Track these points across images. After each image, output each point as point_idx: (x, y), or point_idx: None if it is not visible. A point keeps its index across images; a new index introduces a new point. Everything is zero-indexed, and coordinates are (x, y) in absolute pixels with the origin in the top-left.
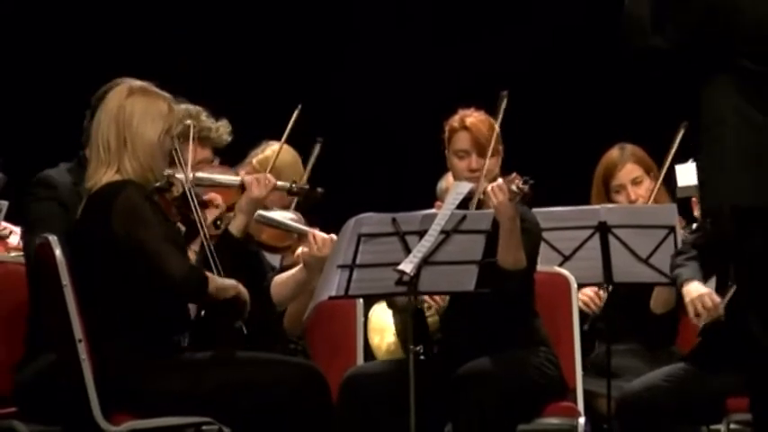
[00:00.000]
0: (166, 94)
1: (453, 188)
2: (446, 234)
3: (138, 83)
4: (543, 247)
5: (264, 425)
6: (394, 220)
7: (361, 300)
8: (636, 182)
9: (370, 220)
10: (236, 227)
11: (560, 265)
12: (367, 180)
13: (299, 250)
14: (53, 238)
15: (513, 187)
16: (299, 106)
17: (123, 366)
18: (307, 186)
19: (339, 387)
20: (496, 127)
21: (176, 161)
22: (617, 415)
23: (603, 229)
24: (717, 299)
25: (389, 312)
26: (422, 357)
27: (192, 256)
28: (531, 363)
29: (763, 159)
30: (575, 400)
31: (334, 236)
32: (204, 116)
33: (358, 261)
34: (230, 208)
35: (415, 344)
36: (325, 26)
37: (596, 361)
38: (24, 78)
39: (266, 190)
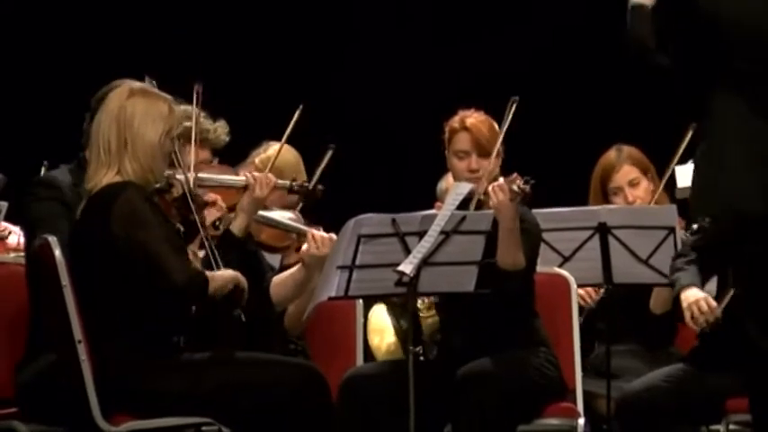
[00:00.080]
0: (167, 96)
1: (453, 189)
2: (446, 235)
3: (138, 84)
4: (543, 248)
5: (264, 425)
6: (394, 220)
7: (361, 300)
8: (633, 183)
9: (370, 221)
10: (237, 226)
11: (560, 265)
12: (367, 180)
13: (305, 247)
14: (53, 239)
15: (514, 187)
16: (301, 106)
17: (123, 367)
18: (307, 184)
19: (339, 387)
20: (497, 127)
21: (176, 162)
22: (616, 415)
23: (603, 230)
24: (713, 303)
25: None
26: (421, 358)
27: (191, 256)
28: (531, 363)
29: (763, 165)
30: (574, 401)
31: (333, 235)
32: (202, 117)
33: (358, 262)
34: (231, 208)
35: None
36: (325, 26)
37: (595, 362)
38: (24, 79)
39: (267, 189)
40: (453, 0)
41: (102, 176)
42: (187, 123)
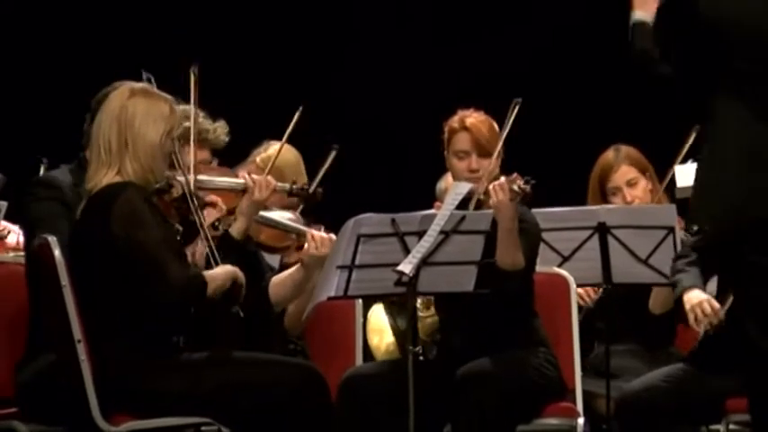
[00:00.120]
0: (168, 96)
1: (452, 188)
2: (445, 234)
3: (139, 84)
4: (542, 248)
5: (264, 425)
6: (393, 220)
7: (360, 300)
8: (631, 183)
9: (370, 221)
10: (236, 229)
11: (559, 265)
12: (367, 180)
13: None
14: (52, 239)
15: (515, 187)
16: (300, 108)
17: (123, 367)
18: (306, 187)
19: (338, 387)
20: (496, 127)
21: (175, 163)
22: (616, 415)
23: (603, 230)
24: (716, 305)
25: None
26: (421, 358)
27: (189, 258)
28: (531, 363)
29: (763, 168)
30: (574, 401)
31: (332, 235)
32: (201, 117)
33: (357, 261)
34: (231, 211)
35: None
36: (325, 26)
37: (595, 362)
38: (24, 78)
39: (267, 192)
40: (453, 0)
41: (103, 176)
42: (186, 123)
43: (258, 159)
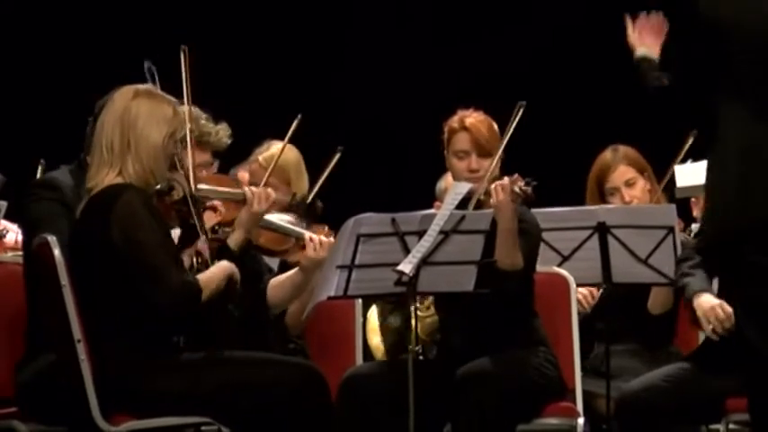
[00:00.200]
0: (171, 98)
1: (452, 188)
2: (445, 234)
3: (143, 86)
4: (542, 248)
5: (264, 425)
6: (393, 220)
7: (360, 300)
8: (629, 183)
9: (370, 221)
10: (234, 241)
11: (559, 265)
12: (366, 180)
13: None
14: (52, 239)
15: (516, 188)
16: (299, 116)
17: (123, 367)
18: (307, 201)
19: (338, 387)
20: (496, 127)
21: (177, 166)
22: (616, 415)
23: (602, 230)
24: (729, 309)
25: None
26: (420, 358)
27: (187, 260)
28: (531, 363)
29: (762, 170)
30: (574, 401)
31: (331, 239)
32: (203, 120)
33: (357, 261)
34: (230, 222)
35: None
36: (326, 26)
37: (595, 362)
38: (23, 78)
39: (266, 205)
40: (453, 0)
41: (104, 176)
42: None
43: (261, 158)
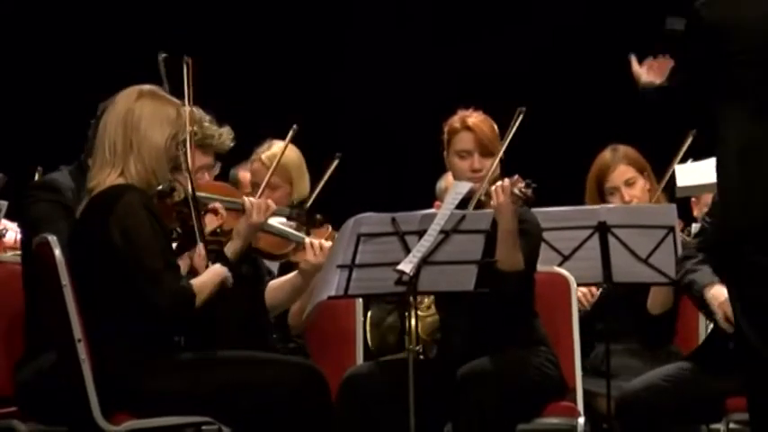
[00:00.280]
0: (175, 100)
1: (453, 188)
2: (445, 234)
3: (147, 87)
4: (543, 247)
5: (264, 424)
6: (393, 219)
7: (361, 299)
8: (629, 183)
9: (370, 220)
10: (231, 250)
11: (560, 264)
12: (367, 180)
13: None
14: (52, 238)
15: (516, 191)
16: (295, 126)
17: (123, 366)
18: (306, 213)
19: (339, 387)
20: (496, 127)
21: (183, 167)
22: (617, 415)
23: (603, 229)
24: None
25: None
26: (421, 357)
27: (183, 264)
28: (531, 363)
29: (761, 171)
30: (574, 400)
31: (331, 243)
32: (207, 122)
33: (357, 261)
34: (228, 231)
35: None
36: (325, 26)
37: (595, 361)
38: (24, 78)
39: (265, 216)
40: (453, 0)
41: (106, 176)
42: (194, 128)
43: (264, 157)
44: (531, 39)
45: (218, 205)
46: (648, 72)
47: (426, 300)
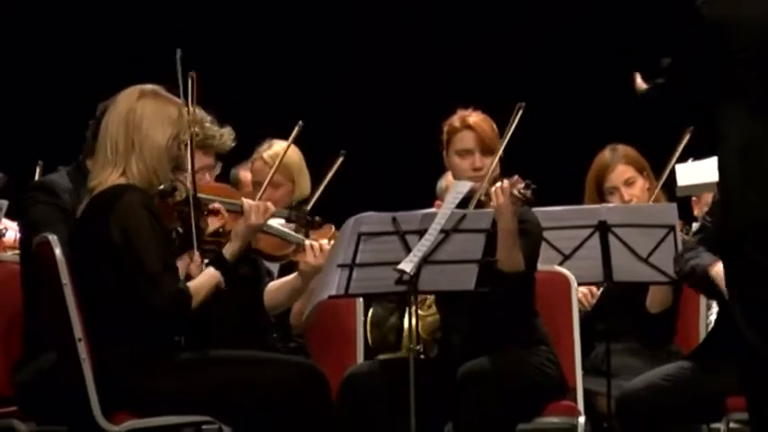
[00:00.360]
0: (177, 99)
1: (453, 187)
2: (446, 233)
3: (149, 86)
4: (543, 247)
5: (264, 424)
6: (394, 219)
7: (361, 299)
8: (628, 183)
9: (370, 220)
10: (230, 251)
11: (560, 264)
12: (367, 179)
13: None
14: (53, 237)
15: (516, 192)
16: (300, 123)
17: (123, 366)
18: (305, 216)
19: (339, 386)
20: (495, 126)
21: (185, 168)
22: (617, 414)
23: (603, 229)
24: None
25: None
26: (422, 356)
27: (182, 266)
28: (531, 362)
29: (760, 171)
30: (575, 399)
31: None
32: (208, 123)
33: (358, 260)
34: (227, 233)
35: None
36: (325, 26)
37: (595, 361)
38: (24, 78)
39: (264, 218)
40: (453, 0)
41: (107, 176)
42: (194, 129)
43: (266, 155)
44: (531, 39)
45: (220, 206)
46: None
47: (427, 299)
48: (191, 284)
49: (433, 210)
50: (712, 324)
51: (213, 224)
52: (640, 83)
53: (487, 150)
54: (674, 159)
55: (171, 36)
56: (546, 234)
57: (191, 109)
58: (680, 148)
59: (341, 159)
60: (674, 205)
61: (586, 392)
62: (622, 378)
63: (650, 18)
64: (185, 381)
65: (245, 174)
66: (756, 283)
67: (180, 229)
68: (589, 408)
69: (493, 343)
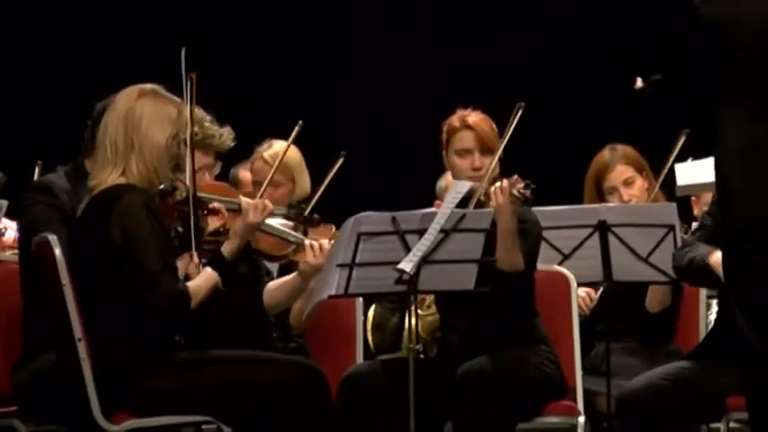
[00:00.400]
0: (176, 98)
1: (453, 187)
2: (445, 233)
3: (149, 86)
4: (543, 246)
5: (264, 424)
6: (393, 218)
7: (361, 298)
8: (628, 183)
9: (370, 219)
10: (228, 249)
11: (560, 263)
12: (367, 179)
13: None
14: (53, 237)
15: (515, 191)
16: (300, 122)
17: (123, 365)
18: (304, 214)
19: (339, 386)
20: (494, 126)
21: (183, 167)
22: (617, 414)
23: (603, 228)
24: None
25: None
26: (421, 356)
27: (186, 261)
28: (531, 362)
29: (758, 171)
30: (574, 399)
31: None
32: (208, 122)
33: (357, 260)
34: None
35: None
36: (325, 26)
37: (595, 360)
38: (24, 77)
39: (262, 216)
40: (453, 0)
41: (107, 176)
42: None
43: (266, 155)
44: (531, 39)
45: (220, 206)
46: None
47: (427, 299)
48: (190, 284)
49: (432, 209)
50: (712, 324)
51: (213, 224)
52: (640, 84)
53: (487, 150)
54: (673, 159)
55: (171, 36)
56: (545, 234)
57: (192, 109)
58: (678, 148)
59: (341, 161)
60: (674, 205)
61: (586, 392)
62: (622, 378)
63: (650, 18)
64: (185, 381)
65: (244, 173)
66: (756, 284)
67: (180, 229)
68: (589, 407)
69: (492, 343)
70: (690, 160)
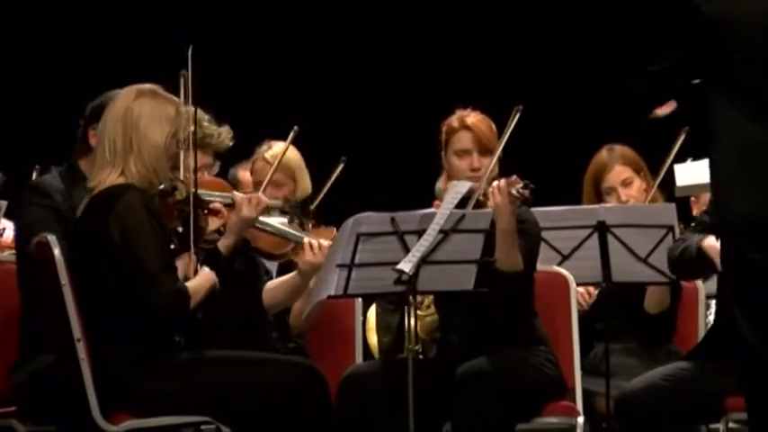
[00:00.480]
0: (174, 98)
1: (452, 187)
2: (445, 233)
3: (147, 86)
4: (542, 247)
5: (264, 424)
6: (393, 219)
7: (360, 299)
8: (626, 183)
9: (369, 220)
10: (224, 245)
11: (559, 264)
12: (366, 179)
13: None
14: (52, 238)
15: (514, 191)
16: (296, 128)
17: (122, 366)
18: (299, 205)
19: (338, 386)
20: (494, 126)
21: (182, 167)
22: (616, 414)
23: (602, 229)
24: None
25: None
26: (420, 357)
27: (186, 260)
28: (530, 362)
29: (755, 170)
30: (574, 400)
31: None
32: (206, 122)
33: (357, 260)
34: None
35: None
36: (325, 26)
37: (594, 361)
38: (23, 77)
39: (257, 211)
40: (453, 0)
41: (107, 176)
42: (192, 128)
43: (267, 155)
44: (531, 39)
45: (219, 206)
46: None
47: (426, 299)
48: (189, 284)
49: (431, 210)
50: (711, 324)
51: (214, 223)
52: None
53: (485, 151)
54: (671, 159)
55: (170, 36)
56: (545, 234)
57: (189, 107)
58: (676, 148)
59: (341, 167)
60: (673, 205)
61: (585, 392)
62: (621, 378)
63: (650, 18)
64: (184, 381)
65: (243, 173)
66: (756, 284)
67: (180, 229)
68: (588, 408)
69: (492, 343)
70: (689, 161)
